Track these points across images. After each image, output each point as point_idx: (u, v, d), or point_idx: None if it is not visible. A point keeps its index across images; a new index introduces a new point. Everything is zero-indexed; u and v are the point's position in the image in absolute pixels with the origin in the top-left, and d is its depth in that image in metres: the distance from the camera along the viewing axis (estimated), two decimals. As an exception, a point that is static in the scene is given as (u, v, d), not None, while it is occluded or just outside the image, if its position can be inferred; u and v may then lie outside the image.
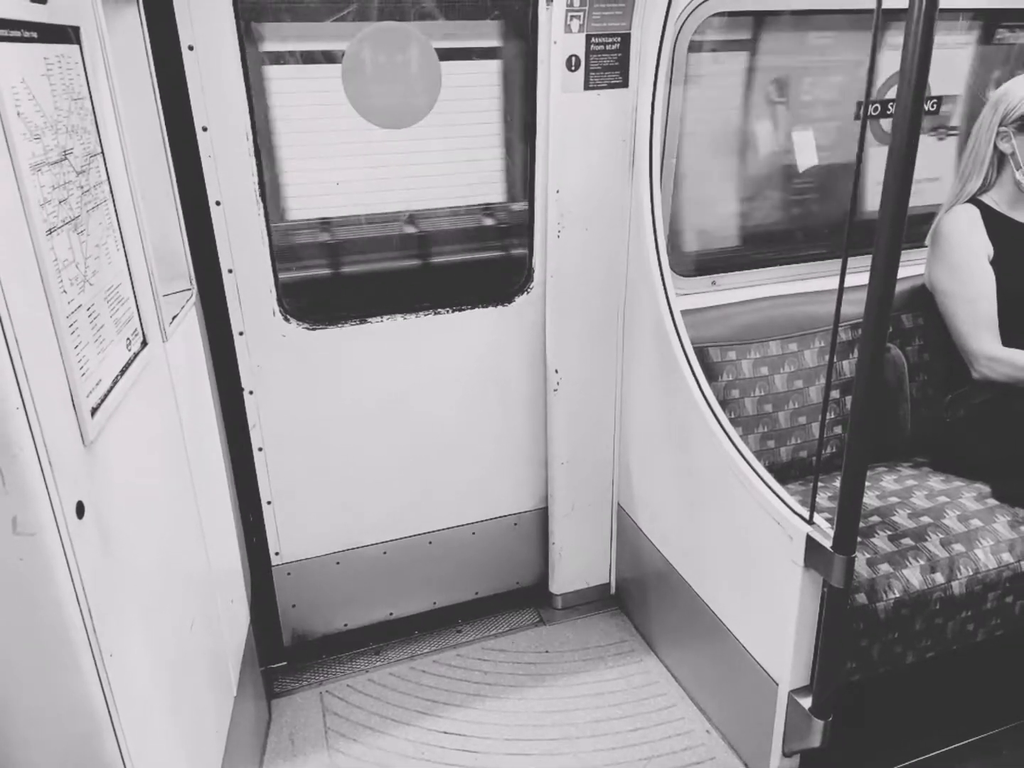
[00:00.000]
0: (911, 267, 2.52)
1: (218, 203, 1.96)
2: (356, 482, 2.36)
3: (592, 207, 2.21)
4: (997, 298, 2.18)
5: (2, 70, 0.93)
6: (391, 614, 2.56)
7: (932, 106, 2.80)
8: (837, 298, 1.48)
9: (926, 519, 1.99)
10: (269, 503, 2.29)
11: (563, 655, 2.44)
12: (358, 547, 2.43)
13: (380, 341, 2.24)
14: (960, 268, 2.21)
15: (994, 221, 2.22)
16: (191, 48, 1.82)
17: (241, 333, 2.09)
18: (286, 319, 2.13)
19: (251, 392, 2.16)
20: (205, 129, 1.89)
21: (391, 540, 2.47)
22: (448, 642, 2.51)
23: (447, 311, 2.29)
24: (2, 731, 1.03)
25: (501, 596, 2.67)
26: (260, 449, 2.22)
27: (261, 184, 1.99)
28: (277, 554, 2.35)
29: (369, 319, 2.22)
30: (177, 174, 1.77)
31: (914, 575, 1.85)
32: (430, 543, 2.51)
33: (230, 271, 2.03)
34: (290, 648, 2.45)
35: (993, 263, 2.19)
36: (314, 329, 2.17)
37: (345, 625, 2.52)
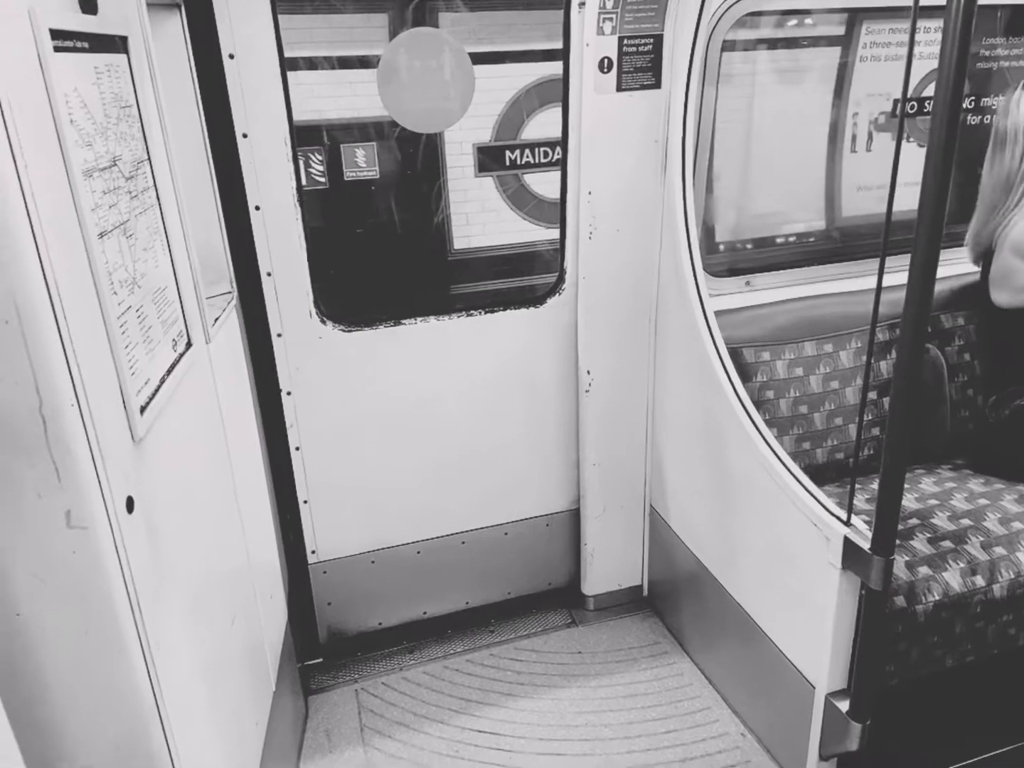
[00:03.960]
0: (949, 267, 2.48)
1: (257, 208, 2.00)
2: (390, 482, 2.39)
3: (624, 208, 2.21)
4: None
5: (57, 79, 0.96)
6: (425, 613, 2.58)
7: (970, 103, 2.76)
8: (875, 298, 1.47)
9: (966, 521, 1.96)
10: (306, 502, 2.33)
11: (596, 656, 2.44)
12: (392, 546, 2.46)
13: (414, 343, 2.27)
14: None
15: None
16: (232, 57, 1.86)
17: (279, 335, 2.14)
18: (323, 321, 2.17)
19: (289, 393, 2.20)
20: (245, 136, 1.93)
21: (424, 540, 2.49)
22: (481, 642, 2.52)
23: (480, 313, 2.31)
24: (55, 720, 1.06)
25: (533, 597, 2.68)
26: (297, 449, 2.26)
27: (299, 189, 2.03)
28: (313, 552, 2.39)
29: (403, 321, 2.25)
30: (219, 179, 1.81)
31: (954, 578, 1.82)
32: (463, 543, 2.53)
33: (269, 274, 2.07)
34: (326, 645, 2.49)
35: None
36: (349, 331, 2.20)
37: (379, 623, 2.54)
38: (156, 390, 1.18)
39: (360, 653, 2.49)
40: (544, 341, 2.40)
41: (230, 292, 1.84)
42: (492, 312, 2.32)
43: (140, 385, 1.12)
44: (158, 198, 1.31)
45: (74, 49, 1.06)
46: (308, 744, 2.13)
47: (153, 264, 1.24)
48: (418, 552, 2.50)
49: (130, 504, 1.05)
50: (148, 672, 1.08)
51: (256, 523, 1.85)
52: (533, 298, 2.37)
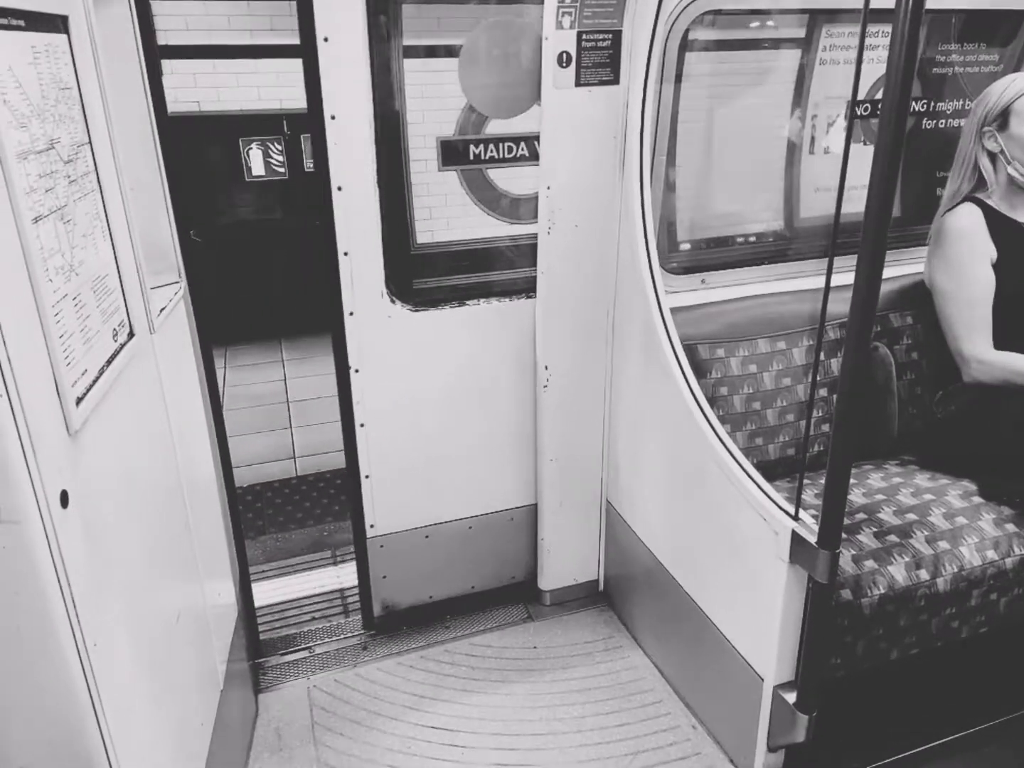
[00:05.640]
0: (899, 267, 2.54)
1: (340, 188, 2.02)
2: (443, 459, 2.45)
3: (582, 204, 2.22)
4: (998, 300, 2.17)
5: (-12, 57, 0.93)
6: (473, 587, 2.65)
7: (923, 106, 2.82)
8: (823, 297, 1.49)
9: (912, 516, 2.00)
10: (367, 477, 2.36)
11: (551, 651, 2.45)
12: (444, 522, 2.53)
13: (477, 323, 2.33)
14: (961, 270, 2.20)
15: (996, 222, 2.22)
16: (326, 40, 1.88)
17: (351, 313, 2.16)
18: (392, 301, 2.20)
19: (357, 370, 2.23)
20: (333, 118, 1.96)
21: (476, 516, 2.57)
22: (436, 638, 2.51)
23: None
24: (-15, 721, 1.03)
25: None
26: (362, 425, 2.30)
27: (379, 171, 2.05)
28: (372, 526, 2.43)
29: (467, 302, 2.30)
30: (313, 163, 1.93)
31: (899, 572, 1.86)
32: (511, 519, 2.61)
33: (346, 254, 2.10)
34: (381, 618, 2.55)
35: (995, 265, 2.19)
36: (417, 311, 2.24)
37: (430, 596, 2.60)
38: (94, 381, 1.15)
39: (410, 627, 2.56)
40: None
41: (178, 282, 1.80)
42: None
43: (77, 376, 1.09)
44: (99, 183, 1.27)
45: (8, 27, 1.02)
46: (258, 743, 2.10)
47: (93, 251, 1.21)
48: (470, 528, 2.55)
49: (64, 498, 1.02)
50: (84, 671, 1.05)
51: (204, 517, 1.82)
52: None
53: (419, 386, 2.34)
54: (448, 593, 2.63)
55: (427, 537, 2.51)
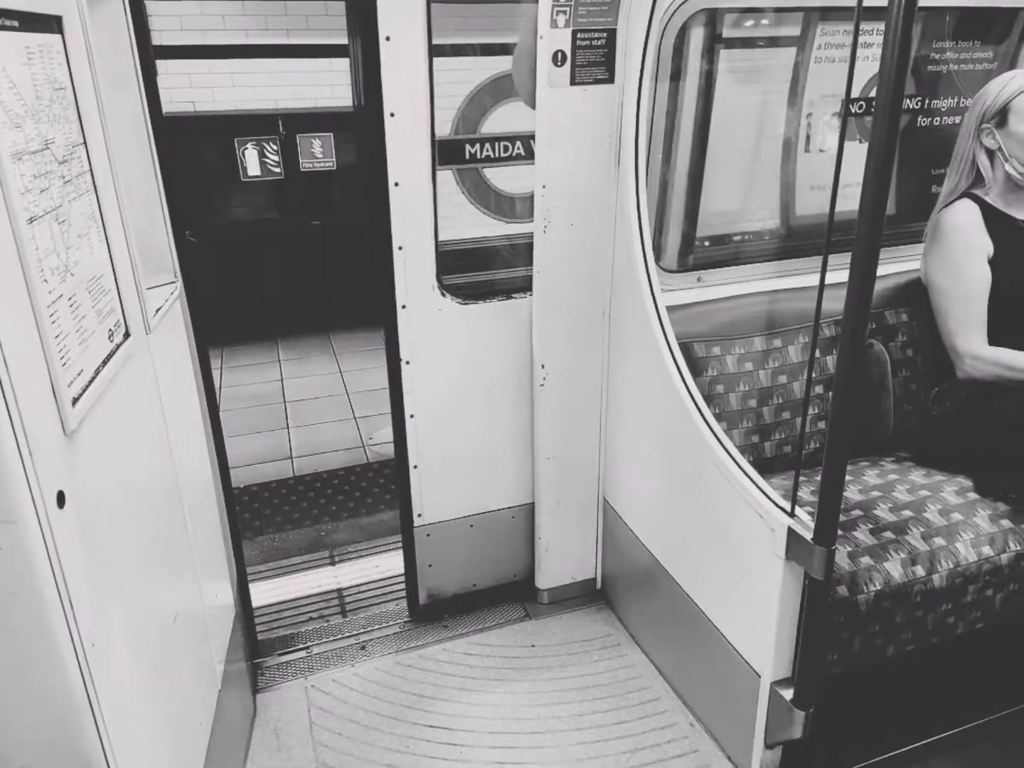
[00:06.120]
0: (895, 264, 2.55)
1: (397, 184, 2.06)
2: (487, 450, 2.49)
3: (577, 203, 2.22)
4: (995, 296, 2.18)
5: (-18, 58, 0.93)
6: (515, 576, 2.69)
7: (918, 104, 2.82)
8: (818, 294, 1.49)
9: (907, 513, 2.01)
10: (416, 467, 2.40)
11: (548, 649, 2.45)
12: (490, 511, 2.57)
13: (520, 317, 2.36)
14: (958, 266, 2.21)
15: (993, 219, 2.22)
16: (388, 39, 1.91)
17: (404, 307, 2.20)
18: (443, 294, 2.24)
19: (408, 362, 2.27)
20: (392, 115, 1.99)
21: (520, 505, 2.60)
22: (434, 637, 2.52)
23: None
24: (-15, 720, 1.03)
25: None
26: (412, 416, 2.33)
27: (433, 167, 2.09)
28: (419, 516, 2.47)
29: (514, 295, 2.34)
30: (367, 158, 1.99)
31: (895, 568, 1.87)
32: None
33: (400, 248, 2.14)
34: (426, 606, 2.60)
35: (992, 262, 2.19)
36: (466, 304, 2.28)
37: (474, 585, 2.64)
38: (90, 381, 1.15)
39: (459, 615, 2.61)
40: None
41: (174, 282, 1.79)
42: None
43: (72, 377, 1.09)
44: (94, 183, 1.27)
45: (3, 27, 1.02)
46: (256, 743, 2.10)
47: (88, 251, 1.21)
48: (513, 517, 2.59)
49: (61, 499, 1.02)
50: (82, 671, 1.05)
51: (201, 517, 1.82)
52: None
53: (467, 377, 2.38)
54: (492, 581, 2.67)
55: (471, 526, 2.55)
